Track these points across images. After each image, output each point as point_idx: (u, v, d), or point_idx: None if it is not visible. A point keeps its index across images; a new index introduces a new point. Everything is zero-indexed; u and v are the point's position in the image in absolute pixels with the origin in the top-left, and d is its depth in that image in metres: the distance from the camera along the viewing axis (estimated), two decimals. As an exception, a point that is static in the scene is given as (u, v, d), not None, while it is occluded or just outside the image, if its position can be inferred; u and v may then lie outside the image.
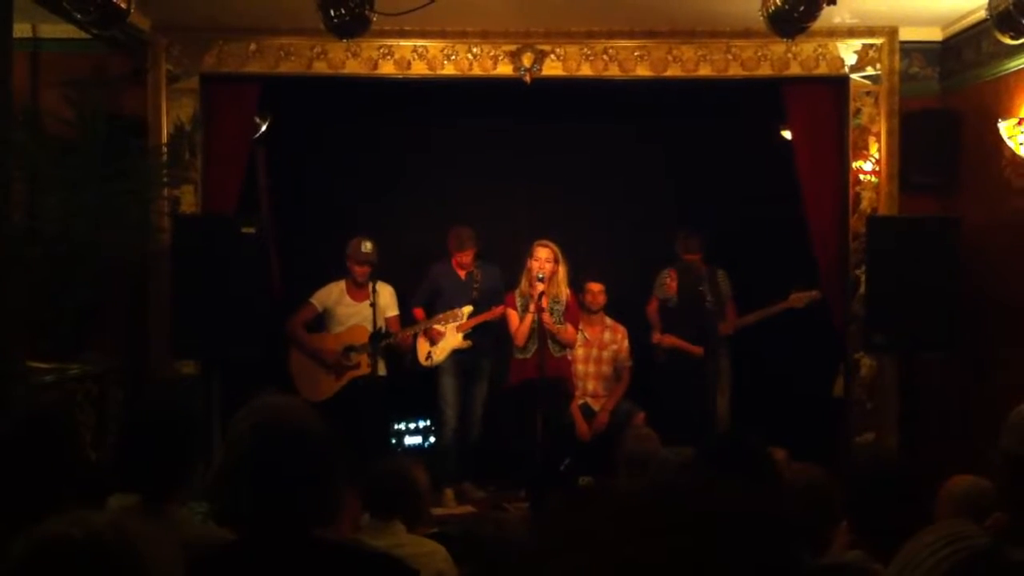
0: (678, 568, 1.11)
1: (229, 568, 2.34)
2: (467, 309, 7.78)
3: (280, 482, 2.31)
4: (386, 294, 7.79)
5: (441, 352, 7.81)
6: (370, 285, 7.50)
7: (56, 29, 6.85)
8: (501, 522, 3.94)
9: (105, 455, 5.97)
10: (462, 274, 7.94)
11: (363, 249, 7.66)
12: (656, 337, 7.87)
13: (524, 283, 7.59)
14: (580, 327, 7.95)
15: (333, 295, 7.83)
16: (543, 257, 7.44)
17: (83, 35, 6.43)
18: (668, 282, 7.92)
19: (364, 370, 7.65)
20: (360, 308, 7.69)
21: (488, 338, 7.91)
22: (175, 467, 3.06)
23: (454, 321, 7.69)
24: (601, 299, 8.08)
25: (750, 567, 1.14)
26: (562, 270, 7.54)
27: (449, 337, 7.78)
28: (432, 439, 8.26)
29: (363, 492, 4.04)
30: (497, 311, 7.72)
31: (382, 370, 7.72)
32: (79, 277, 6.35)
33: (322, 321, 7.90)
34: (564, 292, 7.59)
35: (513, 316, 7.65)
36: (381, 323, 7.56)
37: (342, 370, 7.74)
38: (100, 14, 5.46)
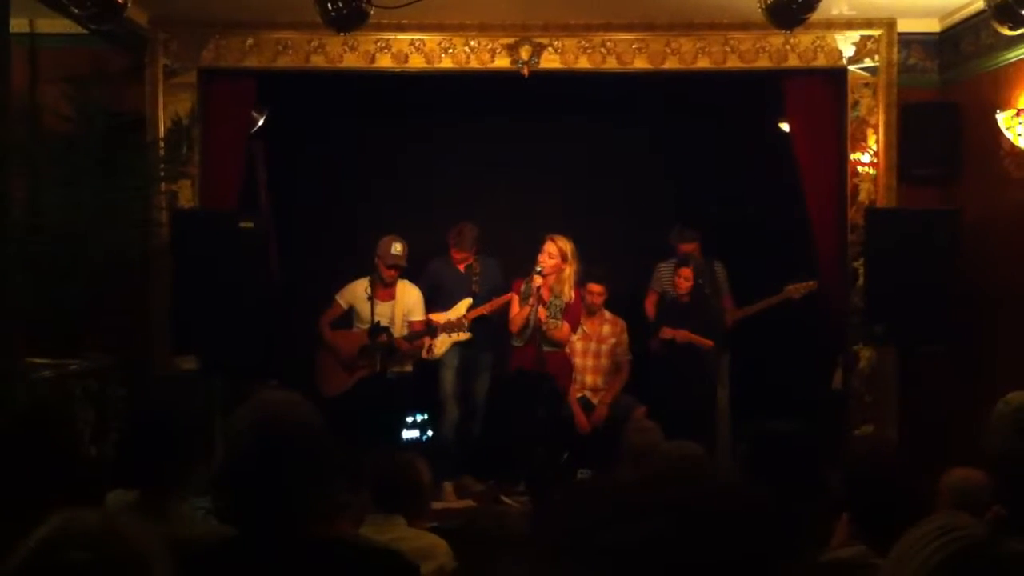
0: (658, 552, 1.12)
1: (227, 564, 2.34)
2: (466, 302, 7.77)
3: (279, 478, 2.31)
4: (413, 296, 7.77)
5: (441, 345, 7.80)
6: (396, 285, 7.55)
7: (54, 24, 6.83)
8: (501, 516, 3.94)
9: (105, 451, 5.97)
10: (461, 267, 7.93)
11: (393, 251, 7.61)
12: (668, 332, 7.79)
13: (533, 274, 7.57)
14: (580, 321, 7.93)
15: (358, 292, 7.77)
16: (549, 252, 7.44)
17: (81, 30, 6.41)
18: (679, 280, 7.84)
19: (373, 369, 7.64)
20: (383, 308, 7.67)
21: (488, 331, 7.90)
22: (176, 463, 3.06)
23: (458, 330, 7.67)
24: (600, 300, 8.06)
25: (730, 556, 1.14)
26: (569, 269, 7.51)
27: None
28: (430, 433, 8.25)
29: (365, 486, 4.04)
30: (497, 302, 7.70)
31: (407, 367, 7.74)
32: (79, 273, 6.35)
33: (350, 318, 7.88)
34: (568, 292, 7.56)
35: (515, 302, 7.64)
36: (400, 322, 7.59)
37: (355, 368, 7.72)
38: (98, 9, 5.46)
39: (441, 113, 8.60)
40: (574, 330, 7.77)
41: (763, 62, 7.55)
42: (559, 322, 7.56)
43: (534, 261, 7.53)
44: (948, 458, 4.59)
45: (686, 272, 7.79)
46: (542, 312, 7.40)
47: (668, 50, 7.57)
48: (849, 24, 7.47)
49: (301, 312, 8.03)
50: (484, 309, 7.75)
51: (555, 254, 7.43)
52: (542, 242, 7.51)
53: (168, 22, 7.43)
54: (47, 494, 2.78)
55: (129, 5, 5.59)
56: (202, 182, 7.57)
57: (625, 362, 8.16)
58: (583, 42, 7.57)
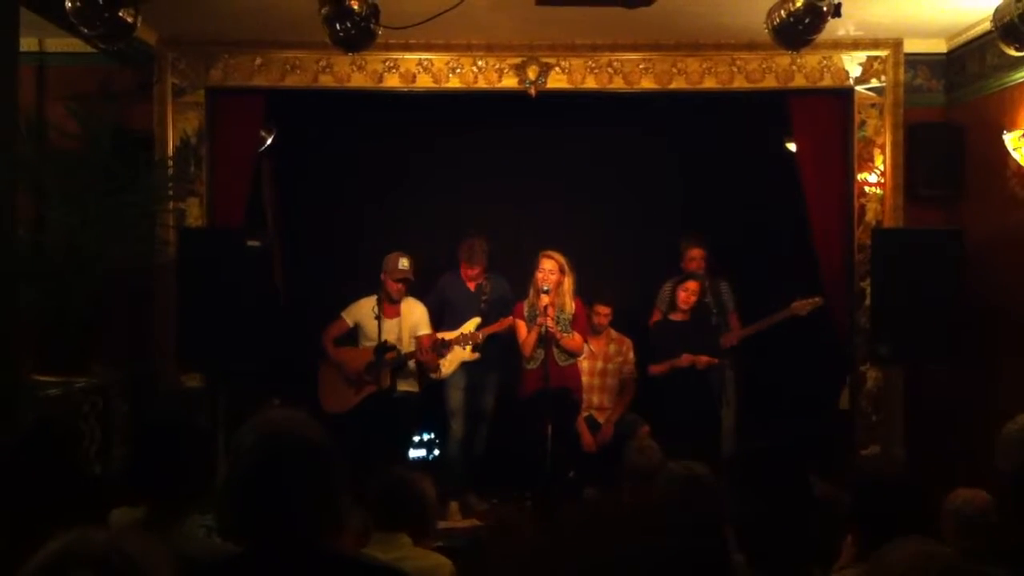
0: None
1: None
2: (475, 321, 7.78)
3: (283, 496, 2.30)
4: (417, 312, 7.78)
5: (450, 364, 7.80)
6: (402, 302, 7.55)
7: (63, 43, 6.87)
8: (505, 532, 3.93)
9: (110, 468, 5.98)
10: (471, 286, 7.94)
11: (400, 266, 7.62)
12: (654, 369, 7.81)
13: (532, 294, 7.56)
14: (586, 339, 7.92)
15: (364, 310, 7.76)
16: (548, 268, 7.42)
17: (90, 49, 6.44)
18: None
19: (381, 386, 7.63)
20: (389, 324, 7.66)
21: (496, 351, 7.89)
22: (180, 481, 3.06)
23: (470, 342, 7.68)
24: (606, 321, 8.05)
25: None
26: (568, 281, 7.50)
27: (457, 349, 7.78)
28: (436, 452, 8.24)
29: (370, 505, 4.03)
30: (506, 322, 7.70)
31: (413, 386, 7.73)
32: (85, 290, 6.36)
33: (355, 335, 7.87)
34: (570, 304, 7.55)
35: (522, 326, 7.62)
36: (408, 338, 7.59)
37: (361, 385, 7.71)
38: (107, 28, 5.48)
39: (449, 131, 8.59)
40: (583, 338, 7.75)
41: (770, 82, 7.57)
42: (571, 334, 7.56)
43: (530, 282, 7.52)
44: (955, 478, 4.58)
45: (692, 286, 7.77)
46: (552, 324, 7.37)
47: (675, 70, 7.58)
48: (856, 44, 7.49)
49: (307, 329, 8.02)
50: (492, 329, 7.74)
51: (554, 269, 7.42)
52: (536, 261, 7.49)
53: (177, 41, 7.46)
54: (49, 512, 2.78)
55: (138, 25, 5.61)
56: (210, 200, 7.59)
57: (631, 380, 8.14)
58: (590, 62, 7.59)
